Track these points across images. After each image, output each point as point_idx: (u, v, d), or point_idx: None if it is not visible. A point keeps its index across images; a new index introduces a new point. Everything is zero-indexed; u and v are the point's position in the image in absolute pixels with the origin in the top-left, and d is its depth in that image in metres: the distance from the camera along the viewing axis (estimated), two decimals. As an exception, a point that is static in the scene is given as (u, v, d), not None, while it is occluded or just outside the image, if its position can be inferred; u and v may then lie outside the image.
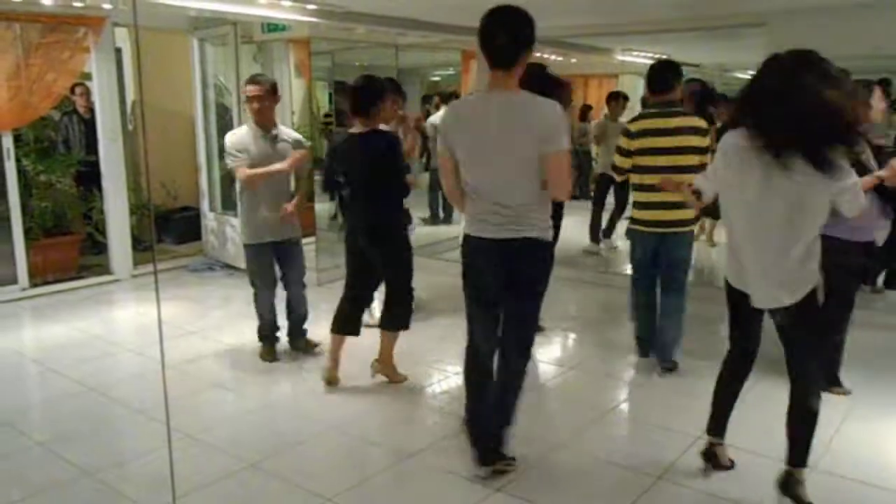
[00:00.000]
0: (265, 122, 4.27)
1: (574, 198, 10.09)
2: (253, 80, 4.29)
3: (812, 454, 3.29)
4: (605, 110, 7.84)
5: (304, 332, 4.65)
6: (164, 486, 2.86)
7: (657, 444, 3.44)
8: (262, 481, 3.10)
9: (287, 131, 4.43)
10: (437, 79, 11.19)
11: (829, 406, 3.81)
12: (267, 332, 4.54)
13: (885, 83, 4.54)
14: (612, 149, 4.55)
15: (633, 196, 4.31)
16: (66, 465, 3.22)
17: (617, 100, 7.63)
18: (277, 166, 4.21)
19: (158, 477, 3.04)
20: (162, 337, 2.50)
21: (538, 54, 8.42)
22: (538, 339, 4.96)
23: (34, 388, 4.31)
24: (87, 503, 2.96)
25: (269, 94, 4.22)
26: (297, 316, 4.61)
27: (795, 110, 2.48)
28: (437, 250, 6.99)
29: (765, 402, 3.94)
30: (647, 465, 3.22)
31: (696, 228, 4.38)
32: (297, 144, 4.37)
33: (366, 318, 4.45)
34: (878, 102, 3.65)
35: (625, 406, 3.99)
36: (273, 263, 4.43)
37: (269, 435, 3.53)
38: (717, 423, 3.11)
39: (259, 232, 4.32)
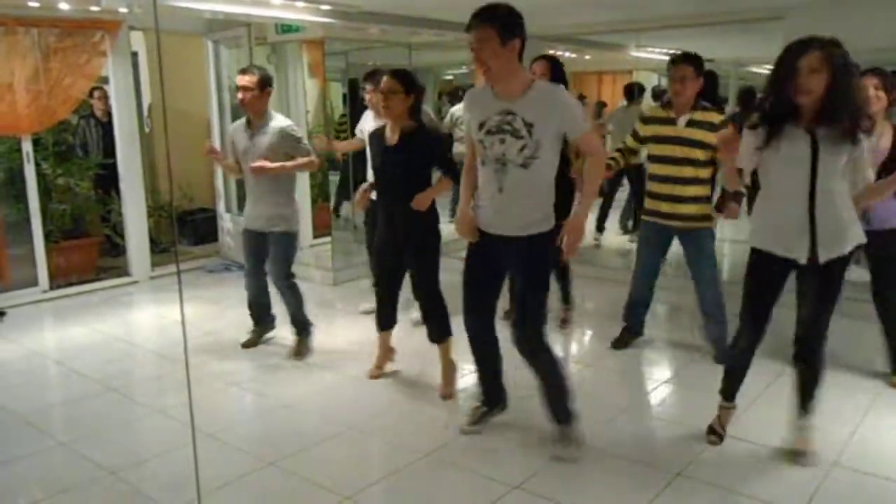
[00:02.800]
0: (251, 114, 4.27)
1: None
2: (243, 70, 4.30)
3: (834, 449, 3.28)
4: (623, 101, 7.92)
5: (299, 331, 4.58)
6: (185, 484, 2.89)
7: (676, 441, 3.42)
8: (281, 480, 3.11)
9: (275, 121, 4.27)
10: (450, 77, 11.18)
11: (851, 401, 3.80)
12: (252, 315, 4.67)
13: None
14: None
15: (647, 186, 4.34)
16: (88, 464, 3.25)
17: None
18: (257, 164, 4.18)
19: (179, 476, 3.07)
20: (186, 337, 2.52)
21: (552, 51, 8.43)
22: (550, 336, 4.97)
23: (56, 388, 4.35)
24: (110, 502, 2.99)
25: (255, 85, 4.17)
26: (288, 309, 4.57)
27: None
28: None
29: (786, 396, 3.91)
30: (666, 461, 3.21)
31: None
32: (281, 137, 4.21)
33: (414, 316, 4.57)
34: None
35: (642, 402, 3.97)
36: (254, 248, 4.45)
37: (289, 434, 3.55)
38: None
39: (246, 220, 4.46)
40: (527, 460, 3.23)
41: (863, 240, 2.98)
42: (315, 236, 7.35)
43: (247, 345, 4.67)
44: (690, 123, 4.02)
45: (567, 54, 8.80)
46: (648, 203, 4.26)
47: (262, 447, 3.39)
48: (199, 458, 2.71)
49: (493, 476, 3.10)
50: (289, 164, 4.26)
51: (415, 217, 3.77)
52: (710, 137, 3.96)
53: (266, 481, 3.11)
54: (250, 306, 4.67)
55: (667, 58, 8.23)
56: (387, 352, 4.22)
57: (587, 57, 9.08)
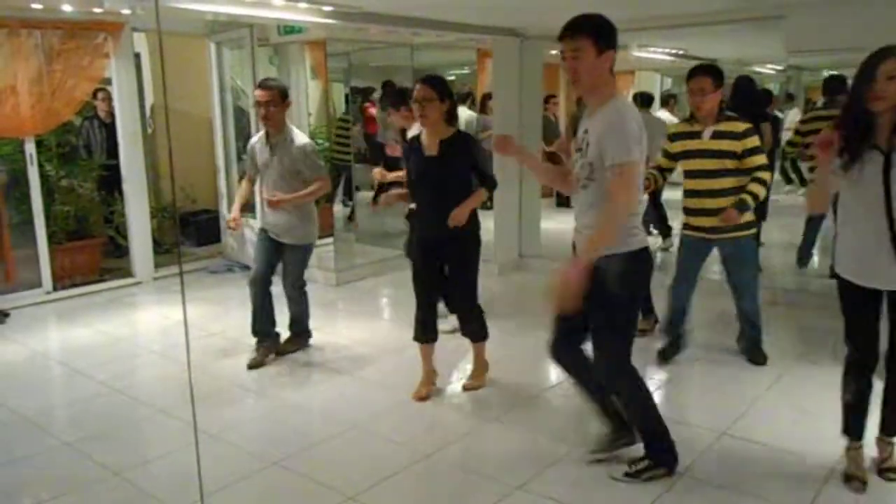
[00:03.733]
0: (270, 128, 4.27)
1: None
2: (261, 84, 4.27)
3: (837, 450, 3.26)
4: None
5: (297, 332, 4.67)
6: (189, 484, 2.90)
7: (678, 441, 3.41)
8: (284, 480, 3.12)
9: (296, 138, 4.29)
10: (452, 78, 11.18)
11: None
12: (256, 326, 4.50)
13: None
14: None
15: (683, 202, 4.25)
16: (92, 464, 3.27)
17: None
18: (280, 196, 4.23)
19: (183, 476, 3.08)
20: (188, 338, 2.53)
21: (554, 52, 8.43)
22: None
23: (60, 389, 4.37)
24: (114, 502, 3.00)
25: (277, 99, 4.17)
26: (290, 315, 4.65)
27: None
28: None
29: (787, 397, 3.92)
30: (669, 461, 3.20)
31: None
32: (299, 154, 4.23)
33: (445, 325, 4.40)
34: None
35: (645, 403, 3.96)
36: (265, 253, 4.43)
37: (292, 434, 3.56)
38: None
39: (263, 221, 4.50)
40: (530, 461, 3.23)
41: None
42: (318, 237, 7.35)
43: (253, 365, 4.40)
44: (716, 135, 3.97)
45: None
46: (688, 219, 4.19)
47: (265, 447, 3.40)
48: (202, 459, 2.72)
49: (496, 476, 3.10)
50: (302, 193, 4.24)
51: (457, 225, 3.69)
52: (737, 146, 3.94)
53: (269, 481, 3.12)
54: (254, 315, 4.47)
55: (669, 58, 8.23)
56: (432, 369, 4.01)
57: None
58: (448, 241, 3.76)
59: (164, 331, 5.28)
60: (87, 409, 3.92)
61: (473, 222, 3.82)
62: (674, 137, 4.17)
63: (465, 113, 8.40)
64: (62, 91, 5.85)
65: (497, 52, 6.62)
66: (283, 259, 4.47)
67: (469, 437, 3.49)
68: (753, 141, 3.97)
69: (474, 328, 3.99)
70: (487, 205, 7.03)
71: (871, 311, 2.87)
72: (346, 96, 8.78)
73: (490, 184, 3.84)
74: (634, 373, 2.99)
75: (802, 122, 5.97)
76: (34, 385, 4.31)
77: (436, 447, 3.37)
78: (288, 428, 3.65)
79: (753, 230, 4.21)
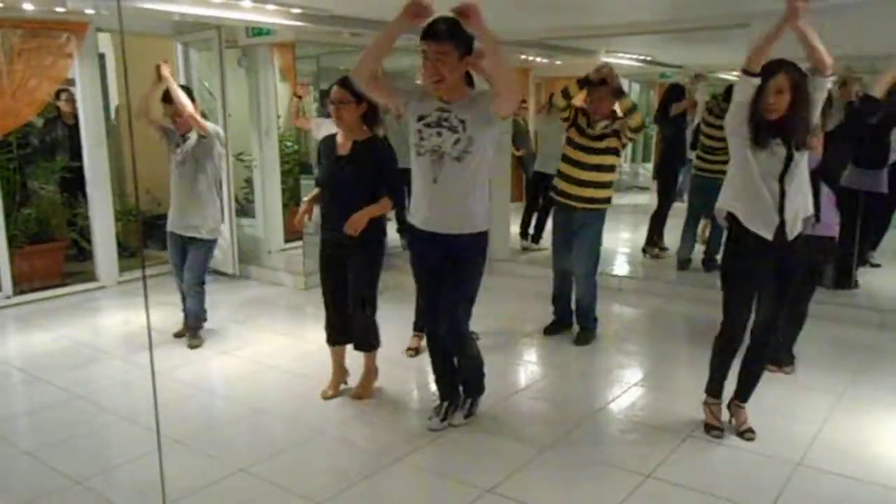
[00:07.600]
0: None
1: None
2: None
3: (798, 449, 3.34)
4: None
5: (193, 329, 4.92)
6: (153, 492, 2.85)
7: (645, 443, 3.46)
8: (251, 486, 3.08)
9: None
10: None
11: (815, 401, 3.88)
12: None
13: None
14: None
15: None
16: (53, 473, 3.19)
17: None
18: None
19: (147, 483, 3.03)
20: (151, 343, 2.49)
21: (524, 56, 8.49)
22: (523, 340, 5.02)
23: (20, 396, 4.26)
24: (75, 511, 2.94)
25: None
26: (188, 309, 4.91)
27: None
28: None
29: (753, 399, 3.97)
30: (636, 463, 3.24)
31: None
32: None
33: None
34: None
35: (612, 406, 3.99)
36: (179, 254, 4.93)
37: (258, 440, 3.52)
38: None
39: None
40: (500, 464, 3.24)
41: None
42: (286, 240, 7.30)
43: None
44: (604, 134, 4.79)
45: (538, 59, 8.86)
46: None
47: (231, 453, 3.35)
48: (166, 466, 2.68)
49: (465, 480, 3.10)
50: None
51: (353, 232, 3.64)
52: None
53: (235, 488, 3.08)
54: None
55: (637, 64, 8.33)
56: (341, 370, 4.04)
57: (558, 62, 9.15)
58: (350, 244, 3.66)
59: (127, 336, 5.19)
60: (47, 416, 3.83)
61: (377, 229, 3.72)
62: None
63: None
64: (23, 91, 5.73)
65: (467, 57, 6.62)
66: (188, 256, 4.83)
67: (438, 441, 3.48)
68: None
69: (367, 338, 3.89)
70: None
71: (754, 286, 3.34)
72: (315, 98, 8.73)
73: (395, 196, 3.71)
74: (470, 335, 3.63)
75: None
76: (-7, 392, 4.20)
77: (404, 452, 3.36)
78: (255, 434, 3.61)
79: (607, 205, 4.70)
